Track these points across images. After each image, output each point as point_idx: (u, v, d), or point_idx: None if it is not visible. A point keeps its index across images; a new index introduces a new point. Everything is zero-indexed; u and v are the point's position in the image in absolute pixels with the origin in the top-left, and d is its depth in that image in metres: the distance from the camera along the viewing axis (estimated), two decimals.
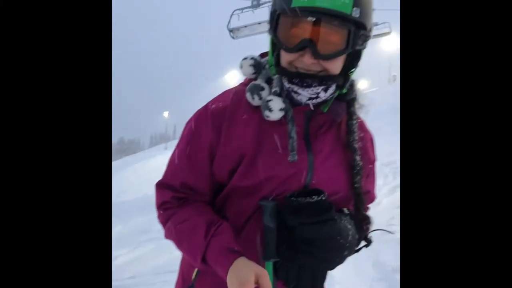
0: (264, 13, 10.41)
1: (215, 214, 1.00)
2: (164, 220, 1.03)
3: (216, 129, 0.99)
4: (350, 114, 1.04)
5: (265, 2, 11.39)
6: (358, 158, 1.02)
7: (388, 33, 13.29)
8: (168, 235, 1.03)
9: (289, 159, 0.95)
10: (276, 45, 0.99)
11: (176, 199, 1.02)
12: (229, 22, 11.52)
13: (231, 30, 11.64)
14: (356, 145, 1.03)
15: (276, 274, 0.98)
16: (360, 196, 1.03)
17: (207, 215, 0.98)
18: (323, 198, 0.94)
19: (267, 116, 0.96)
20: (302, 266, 0.96)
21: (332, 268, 0.98)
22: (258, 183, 0.97)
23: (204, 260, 0.93)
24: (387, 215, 4.56)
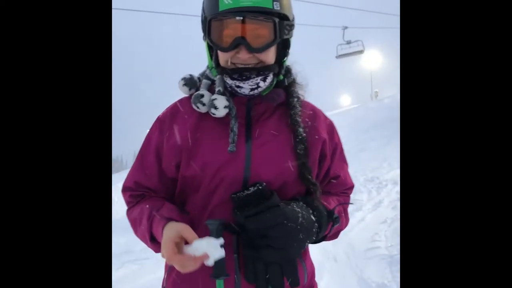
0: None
1: (166, 202, 1.08)
2: (128, 218, 1.13)
3: (161, 131, 1.12)
4: (290, 93, 1.14)
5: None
6: (300, 130, 1.08)
7: (361, 52, 18.91)
8: (133, 230, 1.11)
9: (228, 149, 1.02)
10: (212, 48, 1.10)
11: (133, 197, 1.13)
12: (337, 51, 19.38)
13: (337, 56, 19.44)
14: (298, 119, 1.09)
15: (244, 277, 1.00)
16: (306, 175, 1.05)
17: (156, 202, 1.07)
18: (260, 188, 0.97)
19: (213, 114, 1.05)
20: (268, 262, 0.97)
21: (294, 255, 0.99)
22: (198, 171, 1.04)
23: (153, 239, 1.02)
24: (371, 231, 4.57)
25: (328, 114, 1.21)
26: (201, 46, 1.16)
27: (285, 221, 0.93)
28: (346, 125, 12.47)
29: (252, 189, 0.97)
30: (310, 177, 1.06)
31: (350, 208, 1.16)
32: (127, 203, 1.15)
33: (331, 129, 1.20)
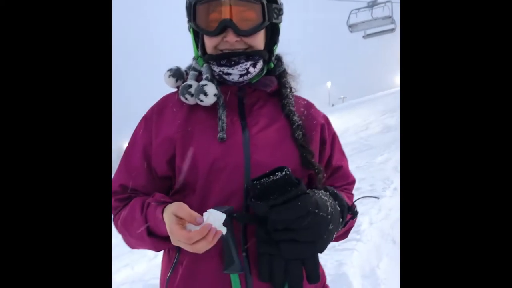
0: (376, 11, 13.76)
1: (156, 193, 1.00)
2: (116, 225, 1.04)
3: (148, 129, 1.04)
4: (282, 84, 1.08)
5: (381, 3, 14.04)
6: (296, 118, 1.03)
7: (392, 30, 14.33)
8: (123, 238, 1.04)
9: (218, 136, 0.96)
10: (198, 36, 1.04)
11: (120, 201, 1.03)
12: (348, 19, 14.23)
13: (350, 26, 14.32)
14: (292, 108, 1.05)
15: (258, 276, 0.90)
16: (309, 159, 0.99)
17: (146, 197, 0.99)
18: (287, 173, 0.86)
19: (201, 101, 0.98)
20: (288, 259, 0.88)
21: (322, 249, 0.89)
22: (195, 161, 0.96)
23: (150, 233, 0.94)
24: None
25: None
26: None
27: (317, 210, 0.84)
28: None
29: (279, 174, 0.86)
30: (313, 160, 1.00)
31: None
32: (114, 208, 1.05)
33: (327, 120, 1.15)
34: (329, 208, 0.89)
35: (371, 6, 14.32)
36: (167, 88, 1.11)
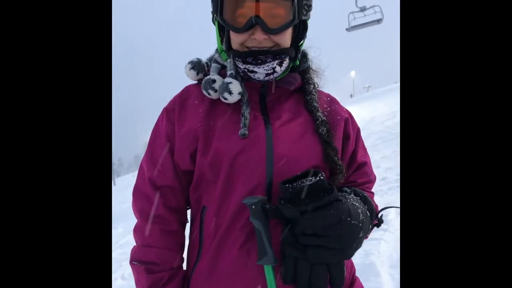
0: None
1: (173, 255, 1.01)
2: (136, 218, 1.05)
3: (170, 121, 1.03)
4: (306, 80, 1.07)
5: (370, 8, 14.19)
6: (319, 114, 1.01)
7: (379, 21, 14.10)
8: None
9: (240, 132, 0.95)
10: (223, 30, 1.02)
11: (150, 272, 1.00)
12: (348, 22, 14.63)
13: (347, 29, 14.85)
14: (316, 104, 1.03)
15: (281, 278, 0.88)
16: (332, 156, 0.97)
17: (158, 268, 0.99)
18: (322, 178, 0.84)
19: (226, 99, 0.97)
20: (314, 263, 0.85)
21: (350, 256, 0.87)
22: (217, 156, 0.95)
23: None
24: None
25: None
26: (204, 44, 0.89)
27: (349, 219, 0.82)
28: None
29: (313, 179, 0.83)
30: (336, 158, 0.98)
31: None
32: (140, 212, 1.04)
33: (351, 115, 1.13)
34: (361, 216, 0.86)
35: (363, 10, 14.22)
36: (166, 89, 1.08)
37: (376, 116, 12.76)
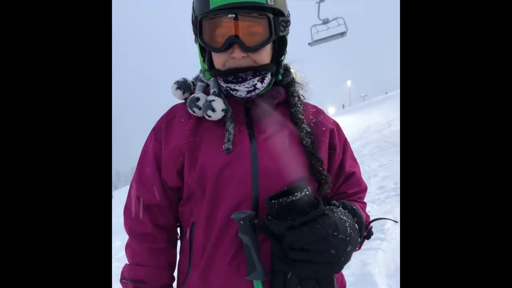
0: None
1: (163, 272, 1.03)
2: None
3: (157, 140, 1.05)
4: (291, 93, 1.08)
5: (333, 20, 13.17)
6: (304, 126, 1.02)
7: (343, 34, 13.08)
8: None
9: (223, 147, 0.96)
10: (204, 51, 1.05)
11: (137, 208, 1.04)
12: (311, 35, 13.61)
13: (309, 43, 13.75)
14: (301, 116, 1.04)
15: None
16: (317, 167, 0.97)
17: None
18: (307, 193, 0.85)
19: (209, 116, 0.99)
20: (303, 278, 0.86)
21: (339, 270, 0.87)
22: (202, 171, 0.97)
23: None
24: None
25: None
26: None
27: (336, 233, 0.83)
28: None
29: (298, 194, 0.84)
30: (321, 169, 0.99)
31: None
32: (129, 230, 1.06)
33: (338, 126, 1.14)
34: (348, 230, 0.86)
35: (326, 22, 13.16)
36: (165, 92, 1.11)
37: (373, 125, 12.80)
